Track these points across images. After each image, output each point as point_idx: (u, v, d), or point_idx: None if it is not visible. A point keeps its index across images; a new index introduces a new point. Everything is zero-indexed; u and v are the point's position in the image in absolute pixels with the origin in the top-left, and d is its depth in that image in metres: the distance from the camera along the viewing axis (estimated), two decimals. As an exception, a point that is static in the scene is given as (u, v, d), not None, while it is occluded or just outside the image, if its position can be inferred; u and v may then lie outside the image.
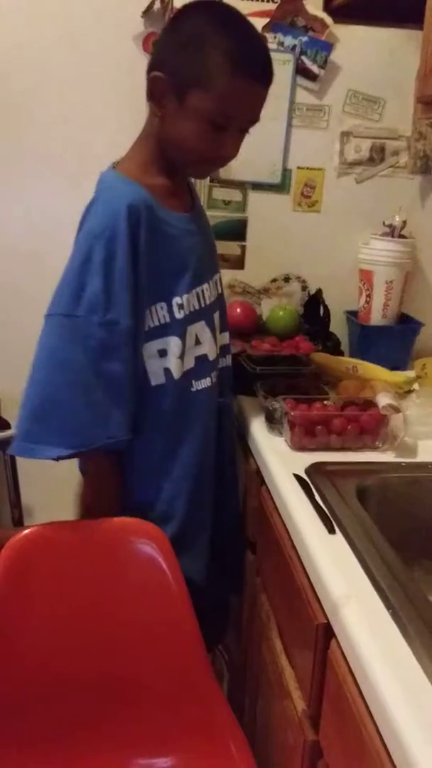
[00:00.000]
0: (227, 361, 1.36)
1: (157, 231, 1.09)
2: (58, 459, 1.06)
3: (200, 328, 1.21)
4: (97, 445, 1.07)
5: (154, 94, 1.09)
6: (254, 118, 1.12)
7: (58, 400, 1.06)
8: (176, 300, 1.15)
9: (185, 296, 1.16)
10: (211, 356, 1.24)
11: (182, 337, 1.16)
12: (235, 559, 1.37)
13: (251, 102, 1.09)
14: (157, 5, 1.69)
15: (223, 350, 1.34)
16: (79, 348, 1.04)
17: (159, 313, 1.13)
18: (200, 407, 1.22)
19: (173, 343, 1.15)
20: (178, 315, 1.15)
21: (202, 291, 1.21)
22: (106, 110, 1.80)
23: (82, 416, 1.06)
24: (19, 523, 1.64)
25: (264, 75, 1.08)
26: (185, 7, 1.10)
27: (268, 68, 1.09)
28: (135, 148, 1.17)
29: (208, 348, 1.23)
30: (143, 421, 1.14)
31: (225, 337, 1.34)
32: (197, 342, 1.21)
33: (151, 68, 1.09)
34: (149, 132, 1.15)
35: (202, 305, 1.21)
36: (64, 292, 1.06)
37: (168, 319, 1.14)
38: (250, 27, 1.09)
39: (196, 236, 1.19)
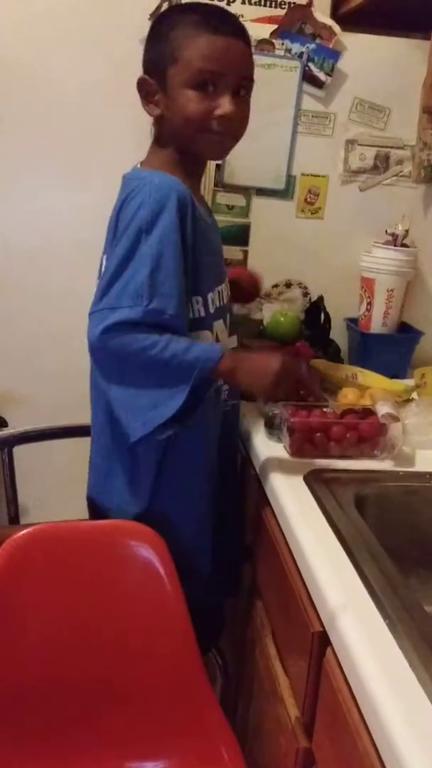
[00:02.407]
0: None
1: (197, 222, 1.10)
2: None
3: (220, 326, 1.23)
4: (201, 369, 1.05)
5: (145, 97, 1.15)
6: (240, 74, 1.12)
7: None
8: (210, 295, 1.17)
9: (216, 291, 1.19)
10: None
11: (212, 332, 1.19)
12: (232, 563, 1.37)
13: (224, 55, 1.09)
14: (165, 8, 1.69)
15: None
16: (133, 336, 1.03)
17: (195, 307, 1.15)
18: (213, 406, 1.23)
19: (204, 337, 1.17)
20: (211, 309, 1.17)
21: (222, 289, 1.24)
22: (111, 110, 1.80)
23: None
24: (15, 520, 1.63)
25: (226, 26, 1.10)
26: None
27: (229, 19, 1.13)
28: (151, 155, 1.20)
29: (225, 347, 1.24)
30: None
31: (233, 341, 1.34)
32: (217, 339, 1.22)
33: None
34: (158, 138, 1.19)
35: (223, 303, 1.24)
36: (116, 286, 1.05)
37: (203, 313, 1.16)
38: (208, 3, 1.15)
39: (218, 234, 1.20)
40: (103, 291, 1.06)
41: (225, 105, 1.11)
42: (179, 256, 1.05)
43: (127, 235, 1.05)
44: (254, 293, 1.56)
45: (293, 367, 1.13)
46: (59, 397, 1.86)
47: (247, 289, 1.50)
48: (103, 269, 1.16)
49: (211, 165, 1.72)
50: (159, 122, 1.18)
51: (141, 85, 1.15)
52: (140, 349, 1.03)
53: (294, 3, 1.68)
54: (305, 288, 1.85)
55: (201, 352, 1.06)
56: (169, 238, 1.04)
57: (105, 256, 1.17)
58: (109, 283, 1.05)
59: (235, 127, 1.15)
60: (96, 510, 1.28)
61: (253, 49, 1.63)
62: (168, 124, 1.15)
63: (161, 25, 1.14)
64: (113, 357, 1.06)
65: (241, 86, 1.13)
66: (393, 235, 1.75)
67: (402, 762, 0.65)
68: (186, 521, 1.22)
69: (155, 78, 1.13)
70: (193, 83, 1.09)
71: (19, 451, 1.59)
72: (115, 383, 1.08)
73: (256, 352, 1.12)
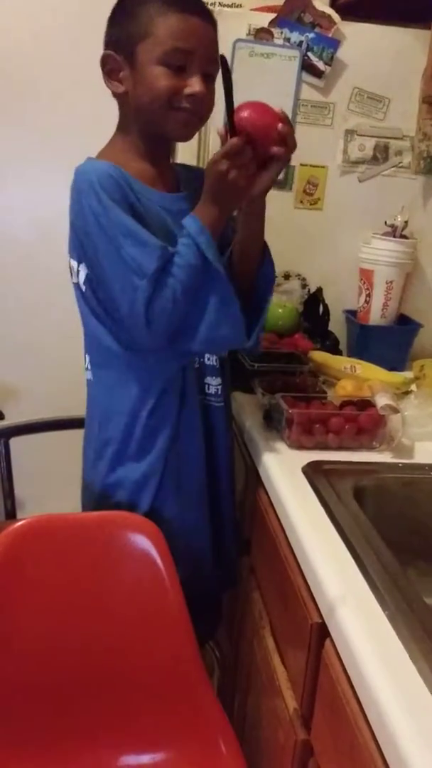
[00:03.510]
0: None
1: (135, 203, 1.11)
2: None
3: None
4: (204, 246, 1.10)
5: (108, 74, 1.16)
6: (209, 56, 1.11)
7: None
8: None
9: None
10: None
11: None
12: (229, 555, 1.37)
13: (195, 34, 1.09)
14: None
15: None
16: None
17: None
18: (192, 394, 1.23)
19: None
20: None
21: None
22: (108, 102, 1.78)
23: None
24: (11, 515, 1.63)
25: (195, 6, 1.10)
26: None
27: (199, 2, 1.12)
28: (110, 141, 1.22)
29: None
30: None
31: None
32: None
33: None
34: (120, 123, 1.21)
35: None
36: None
37: None
38: None
39: (181, 216, 1.18)
40: (116, 295, 1.09)
41: (195, 84, 1.10)
42: (128, 213, 1.08)
43: (87, 232, 1.10)
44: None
45: (219, 156, 1.08)
46: (57, 390, 1.85)
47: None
48: (76, 270, 1.19)
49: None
50: (122, 102, 1.18)
51: (105, 61, 1.16)
52: (173, 302, 1.07)
53: (293, -9, 1.67)
54: (304, 279, 1.84)
55: (189, 243, 1.09)
56: (114, 209, 1.07)
57: (71, 259, 1.20)
58: (110, 286, 1.09)
59: (202, 108, 1.14)
60: (86, 488, 1.29)
61: (251, 38, 1.65)
62: (133, 101, 1.15)
63: (127, 3, 1.14)
64: (173, 326, 1.10)
65: (208, 70, 1.12)
66: (392, 226, 1.74)
67: (401, 753, 0.65)
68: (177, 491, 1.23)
69: (122, 55, 1.13)
70: (165, 60, 1.09)
71: (17, 449, 1.59)
72: (204, 328, 1.11)
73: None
